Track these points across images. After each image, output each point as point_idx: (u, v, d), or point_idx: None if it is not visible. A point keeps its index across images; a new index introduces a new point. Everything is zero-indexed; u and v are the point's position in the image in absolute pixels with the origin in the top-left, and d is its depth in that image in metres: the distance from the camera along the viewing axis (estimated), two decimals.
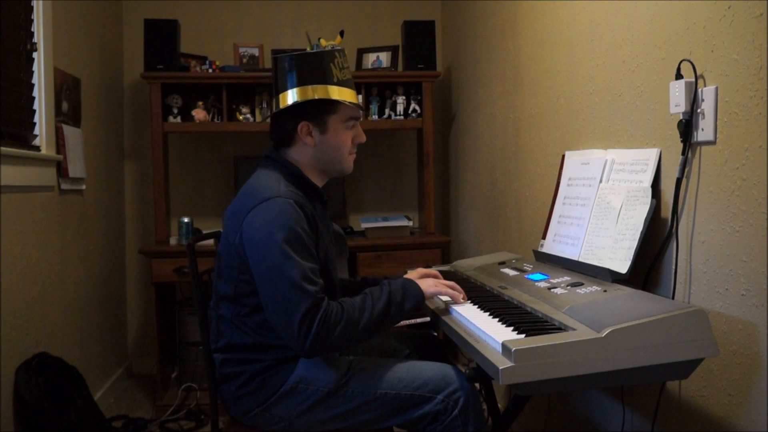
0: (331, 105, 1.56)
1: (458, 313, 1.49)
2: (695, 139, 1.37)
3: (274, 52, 3.33)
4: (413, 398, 1.48)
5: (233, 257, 1.50)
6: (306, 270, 1.40)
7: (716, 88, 1.31)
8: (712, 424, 1.37)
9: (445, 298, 1.59)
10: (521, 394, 1.47)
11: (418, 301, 1.51)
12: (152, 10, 3.43)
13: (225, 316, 1.55)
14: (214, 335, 1.60)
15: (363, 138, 1.63)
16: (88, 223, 2.89)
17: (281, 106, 1.58)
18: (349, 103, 1.57)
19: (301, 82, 1.55)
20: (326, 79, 1.54)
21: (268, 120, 1.67)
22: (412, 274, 1.81)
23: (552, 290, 1.49)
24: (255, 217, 1.44)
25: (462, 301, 1.56)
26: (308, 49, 3.25)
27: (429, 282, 1.56)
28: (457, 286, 1.59)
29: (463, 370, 1.52)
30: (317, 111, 1.55)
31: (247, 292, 1.49)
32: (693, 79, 1.36)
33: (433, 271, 1.82)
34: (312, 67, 1.55)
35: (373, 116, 3.29)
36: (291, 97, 1.56)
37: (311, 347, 1.37)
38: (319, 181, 1.63)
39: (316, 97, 1.54)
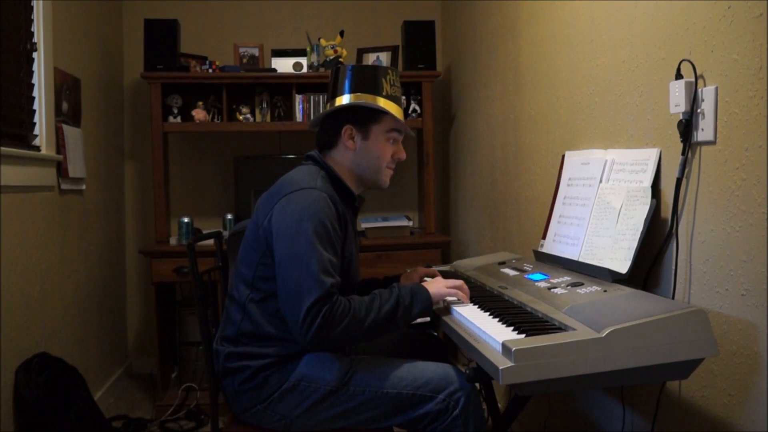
0: (376, 114, 1.63)
1: (458, 313, 1.49)
2: (695, 139, 1.37)
3: (274, 52, 3.33)
4: (414, 398, 1.48)
5: (259, 240, 1.53)
6: (326, 262, 1.43)
7: (716, 88, 1.31)
8: (712, 424, 1.37)
9: (451, 298, 1.60)
10: (521, 394, 1.47)
11: (426, 306, 1.52)
12: (152, 10, 3.43)
13: (238, 300, 1.57)
14: (224, 322, 1.62)
15: (403, 155, 1.71)
16: (88, 223, 2.89)
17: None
18: (393, 115, 1.63)
19: (353, 90, 1.64)
20: (376, 91, 1.63)
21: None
22: (412, 275, 1.81)
23: (552, 290, 1.49)
24: (288, 204, 1.49)
25: (466, 301, 1.57)
26: (308, 49, 3.27)
27: (438, 285, 1.57)
28: (464, 286, 1.59)
29: (463, 370, 1.52)
30: (362, 117, 1.63)
31: (264, 276, 1.52)
32: (693, 79, 1.36)
33: (432, 270, 1.82)
34: (365, 77, 1.64)
35: None
36: (342, 101, 1.64)
37: (313, 338, 1.39)
38: (355, 189, 1.68)
39: (363, 102, 1.62)
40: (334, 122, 1.64)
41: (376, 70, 1.66)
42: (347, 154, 1.65)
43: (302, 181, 1.54)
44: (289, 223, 1.46)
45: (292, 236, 1.44)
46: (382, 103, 1.63)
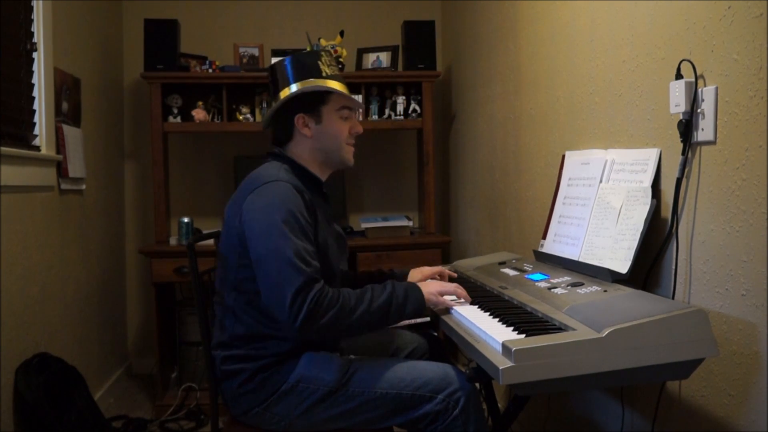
0: (323, 96, 1.64)
1: (458, 313, 1.49)
2: (695, 139, 1.37)
3: (274, 52, 3.33)
4: (414, 398, 1.48)
5: (234, 242, 1.53)
6: (301, 250, 1.43)
7: (716, 88, 1.31)
8: (712, 424, 1.37)
9: (450, 297, 1.59)
10: (521, 394, 1.47)
11: (418, 306, 1.52)
12: (152, 10, 3.42)
13: (226, 305, 1.57)
14: (218, 330, 1.61)
15: (359, 128, 1.71)
16: (88, 223, 2.89)
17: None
18: (338, 91, 1.64)
19: (293, 80, 1.64)
20: (315, 75, 1.65)
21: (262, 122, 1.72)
22: (415, 274, 1.80)
23: (552, 290, 1.49)
24: (255, 200, 1.50)
25: (466, 300, 1.57)
26: (308, 49, 3.27)
27: (433, 290, 1.55)
28: (462, 292, 1.58)
29: (463, 370, 1.52)
30: (310, 103, 1.64)
31: (247, 277, 1.52)
32: (693, 79, 1.36)
33: (437, 268, 1.81)
34: (301, 65, 1.65)
35: (373, 116, 3.29)
36: (286, 94, 1.64)
37: (302, 325, 1.38)
38: (321, 175, 1.69)
39: (307, 87, 1.63)
40: (285, 116, 1.65)
41: (307, 56, 1.68)
42: (306, 142, 1.66)
43: (265, 176, 1.55)
44: (259, 218, 1.47)
45: (264, 231, 1.45)
46: (325, 83, 1.64)
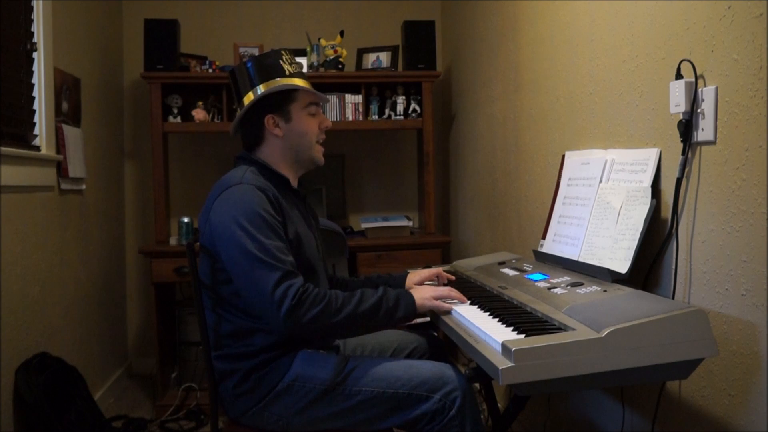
0: (290, 94, 1.65)
1: (458, 313, 1.49)
2: (695, 139, 1.37)
3: None
4: (410, 397, 1.48)
5: (206, 247, 1.55)
6: (270, 247, 1.45)
7: (716, 88, 1.31)
8: (712, 424, 1.37)
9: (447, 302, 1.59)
10: (521, 394, 1.46)
11: (410, 312, 1.53)
12: (152, 10, 3.43)
13: (209, 307, 1.59)
14: (211, 332, 1.62)
15: (328, 123, 1.72)
16: (88, 223, 2.89)
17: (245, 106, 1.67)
18: (304, 88, 1.65)
19: (257, 83, 1.65)
20: (278, 74, 1.65)
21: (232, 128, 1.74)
22: (412, 277, 1.80)
23: (552, 290, 1.49)
24: (220, 205, 1.52)
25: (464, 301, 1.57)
26: (308, 49, 3.27)
27: (426, 295, 1.56)
28: (456, 294, 1.58)
29: (463, 370, 1.52)
30: (278, 102, 1.65)
31: (222, 280, 1.54)
32: (693, 79, 1.36)
33: (434, 270, 1.81)
34: (263, 66, 1.66)
35: (373, 116, 3.29)
36: (252, 97, 1.65)
37: (286, 317, 1.39)
38: (292, 175, 1.70)
39: (273, 87, 1.63)
40: (254, 118, 1.65)
41: (267, 57, 1.67)
42: (277, 143, 1.66)
43: (228, 181, 1.57)
44: (226, 223, 1.48)
45: (231, 233, 1.46)
46: (290, 81, 1.65)
